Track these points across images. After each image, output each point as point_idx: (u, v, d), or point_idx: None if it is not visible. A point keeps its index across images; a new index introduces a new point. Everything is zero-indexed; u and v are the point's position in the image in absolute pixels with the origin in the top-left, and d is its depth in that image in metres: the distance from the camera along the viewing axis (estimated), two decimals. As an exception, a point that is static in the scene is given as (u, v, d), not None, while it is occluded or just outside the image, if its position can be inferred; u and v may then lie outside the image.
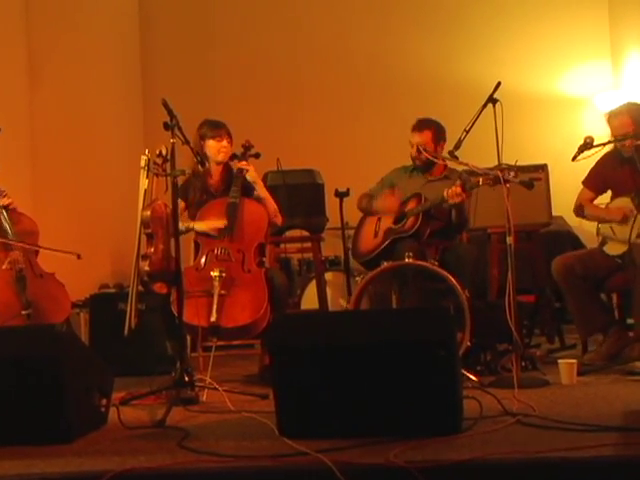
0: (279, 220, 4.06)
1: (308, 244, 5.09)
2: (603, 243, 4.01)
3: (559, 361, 3.49)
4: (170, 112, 3.34)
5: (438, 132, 4.22)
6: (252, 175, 3.98)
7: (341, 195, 4.68)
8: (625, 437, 2.39)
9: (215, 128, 3.99)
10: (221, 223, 3.88)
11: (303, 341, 2.60)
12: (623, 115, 3.97)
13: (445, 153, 3.97)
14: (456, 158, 3.78)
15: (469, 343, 3.55)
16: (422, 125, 4.21)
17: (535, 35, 6.51)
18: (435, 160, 4.14)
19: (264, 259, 4.00)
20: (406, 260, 3.74)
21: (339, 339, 2.59)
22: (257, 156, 4.05)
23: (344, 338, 2.59)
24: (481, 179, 3.68)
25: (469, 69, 6.43)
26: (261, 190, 4.02)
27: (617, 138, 3.93)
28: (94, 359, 2.93)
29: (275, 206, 4.03)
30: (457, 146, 3.75)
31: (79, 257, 3.73)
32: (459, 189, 3.88)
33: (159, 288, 3.51)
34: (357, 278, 4.71)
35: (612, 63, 6.48)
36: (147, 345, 4.15)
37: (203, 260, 3.84)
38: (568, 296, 3.99)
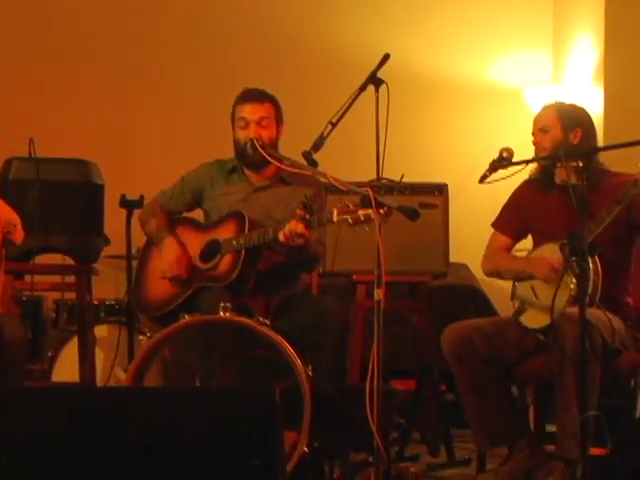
0: (19, 236, 3.98)
1: (72, 278, 5.03)
2: (520, 311, 4.10)
3: (440, 484, 3.57)
4: None
5: (279, 108, 4.37)
6: None
7: (130, 205, 4.66)
8: None
9: None
10: None
11: (17, 432, 2.53)
12: (549, 109, 4.18)
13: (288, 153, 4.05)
14: (315, 164, 3.84)
15: (306, 449, 3.60)
16: (262, 95, 4.33)
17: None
18: (281, 165, 4.20)
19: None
20: (221, 314, 3.75)
21: (81, 434, 2.55)
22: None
23: (90, 433, 2.55)
24: (336, 211, 3.71)
25: (351, 39, 6.55)
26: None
27: (548, 155, 4.05)
28: None
29: (13, 214, 3.95)
30: (317, 146, 3.84)
31: None
32: (301, 227, 3.90)
33: None
34: (144, 337, 4.69)
35: (553, 49, 6.82)
36: None
37: None
38: (462, 386, 4.06)
